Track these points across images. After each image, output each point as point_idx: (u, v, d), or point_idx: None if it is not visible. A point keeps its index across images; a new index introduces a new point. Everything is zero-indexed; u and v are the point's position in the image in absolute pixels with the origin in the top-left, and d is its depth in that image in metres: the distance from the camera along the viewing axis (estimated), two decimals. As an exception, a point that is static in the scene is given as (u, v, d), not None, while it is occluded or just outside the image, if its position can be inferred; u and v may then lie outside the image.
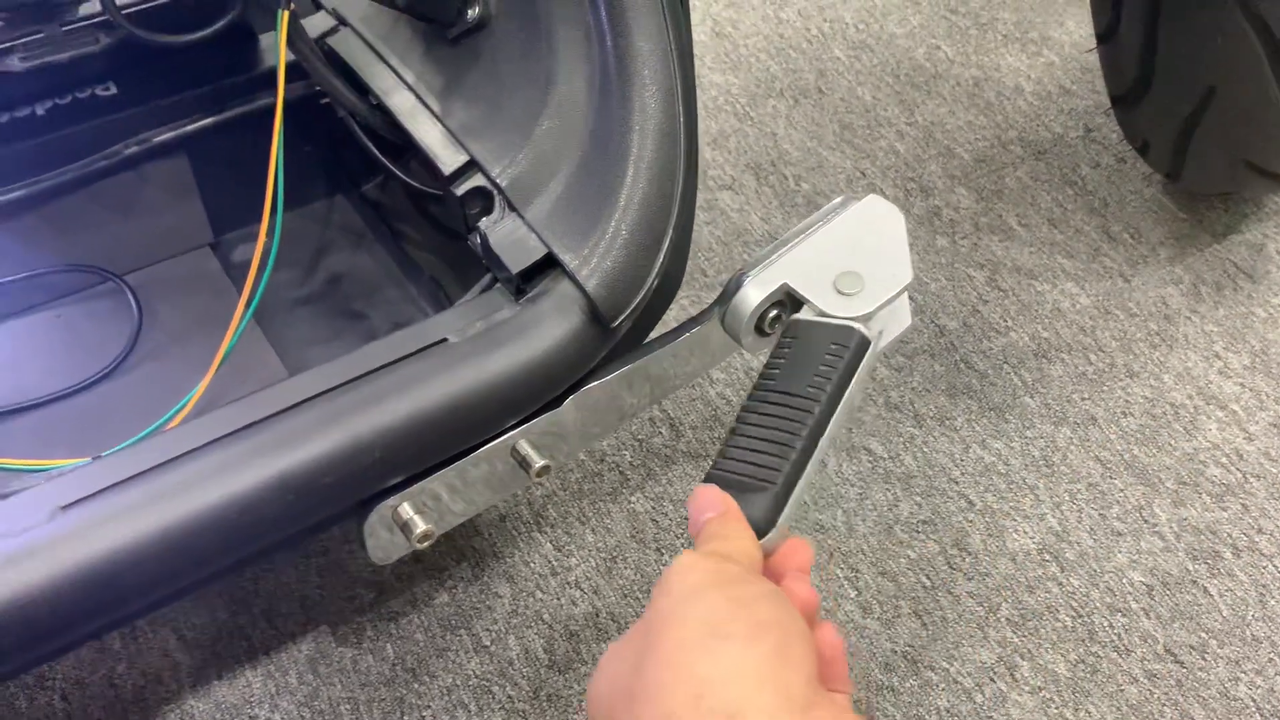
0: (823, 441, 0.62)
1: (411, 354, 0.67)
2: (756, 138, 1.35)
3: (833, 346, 0.66)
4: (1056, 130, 1.36)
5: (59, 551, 0.58)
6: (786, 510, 0.59)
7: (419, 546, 0.69)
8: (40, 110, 0.85)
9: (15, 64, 0.76)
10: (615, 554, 1.02)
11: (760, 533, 0.57)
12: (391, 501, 0.68)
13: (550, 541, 1.02)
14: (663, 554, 1.02)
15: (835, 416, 0.63)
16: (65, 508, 0.59)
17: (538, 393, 0.69)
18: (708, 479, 0.59)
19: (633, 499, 1.05)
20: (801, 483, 0.60)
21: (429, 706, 0.93)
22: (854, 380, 0.65)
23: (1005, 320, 1.19)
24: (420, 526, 0.68)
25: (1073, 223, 1.27)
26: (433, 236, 0.94)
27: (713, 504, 0.55)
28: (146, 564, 0.60)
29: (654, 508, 1.05)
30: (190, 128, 0.89)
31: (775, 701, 0.42)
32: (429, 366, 0.67)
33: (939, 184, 1.30)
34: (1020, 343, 1.17)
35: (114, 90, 0.87)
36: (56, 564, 0.58)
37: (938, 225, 1.26)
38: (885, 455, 1.08)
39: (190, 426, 0.64)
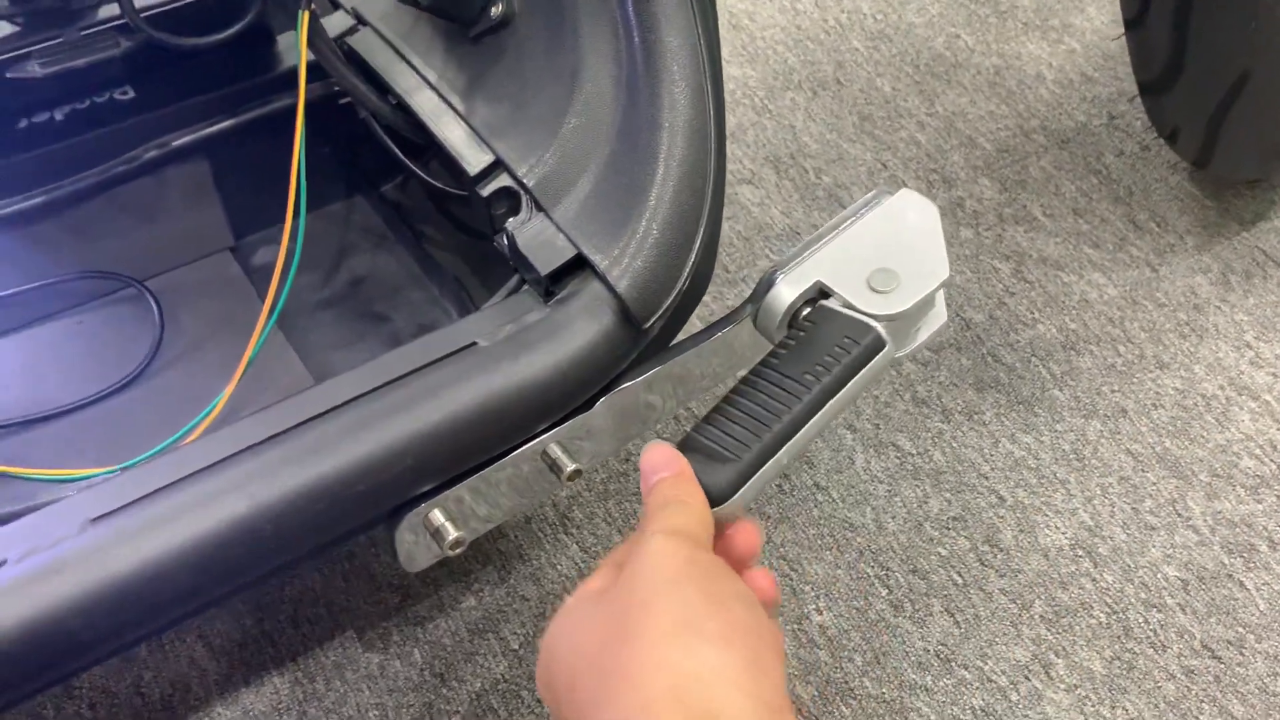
0: (805, 431, 0.62)
1: (441, 359, 0.66)
2: (775, 130, 1.34)
3: (845, 340, 0.65)
4: (1079, 118, 1.34)
5: (90, 565, 0.57)
6: (747, 488, 0.59)
7: (450, 554, 0.68)
8: (59, 115, 0.84)
9: (35, 70, 0.75)
10: (642, 555, 1.00)
11: (714, 502, 0.57)
12: (422, 509, 0.67)
13: (576, 543, 1.01)
14: (690, 554, 1.01)
15: (825, 409, 0.63)
16: (95, 520, 0.58)
17: (569, 396, 0.68)
18: (680, 443, 0.59)
19: (659, 499, 1.04)
20: (771, 466, 0.61)
21: (457, 711, 0.92)
22: (857, 378, 0.64)
23: (1032, 312, 1.17)
24: (452, 534, 0.67)
25: (1098, 212, 1.25)
26: (455, 237, 0.93)
27: (667, 463, 0.56)
28: (178, 576, 0.59)
29: (680, 507, 1.03)
30: (209, 131, 0.88)
31: (751, 706, 0.44)
32: (459, 371, 0.66)
33: (961, 175, 1.29)
34: (1048, 335, 1.15)
35: (132, 94, 0.86)
36: (88, 577, 0.57)
37: (961, 216, 1.25)
38: (914, 451, 1.07)
39: (219, 436, 0.63)
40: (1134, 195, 1.27)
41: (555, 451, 0.71)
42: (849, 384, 0.65)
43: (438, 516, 0.68)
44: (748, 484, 0.60)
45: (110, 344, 0.87)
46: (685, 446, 0.61)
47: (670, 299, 0.68)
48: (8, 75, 0.76)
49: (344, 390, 0.64)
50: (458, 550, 0.68)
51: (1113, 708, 0.92)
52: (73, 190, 0.85)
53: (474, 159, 0.74)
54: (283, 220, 0.95)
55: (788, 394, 0.63)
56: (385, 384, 0.65)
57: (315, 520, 0.62)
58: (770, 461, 0.61)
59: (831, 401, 0.64)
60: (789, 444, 0.62)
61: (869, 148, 1.32)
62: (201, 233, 0.92)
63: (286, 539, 0.61)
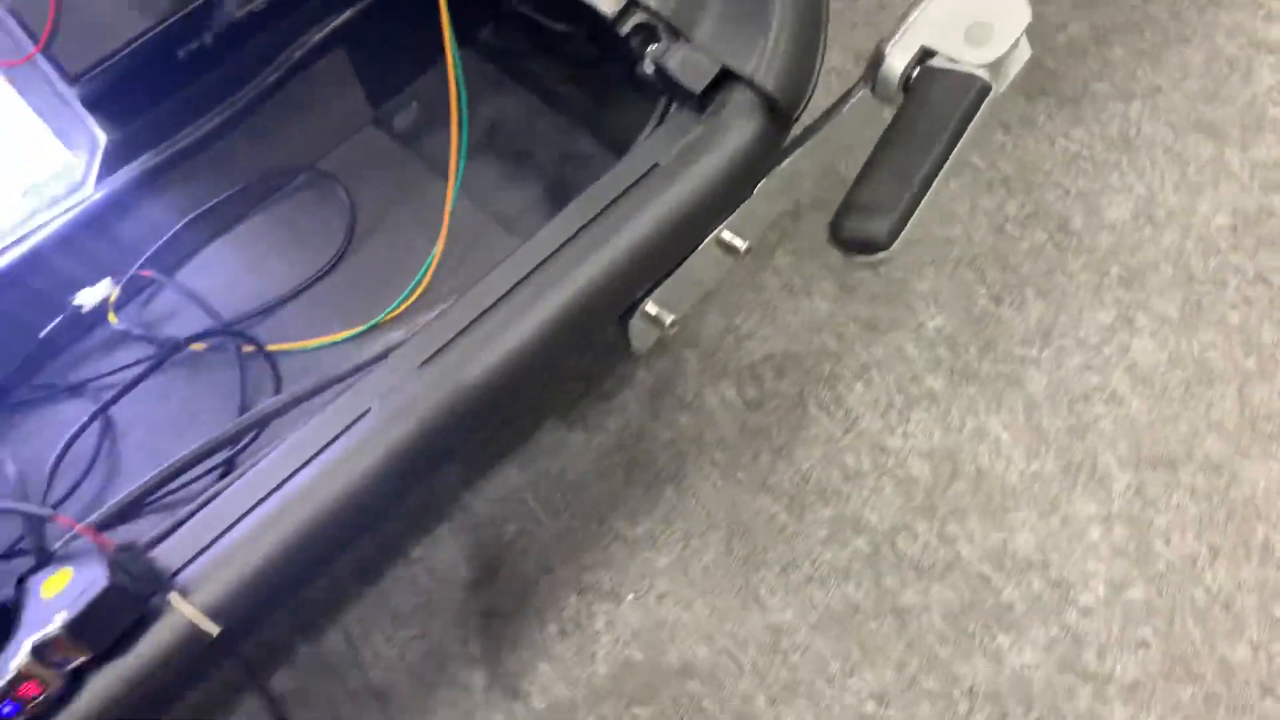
0: (940, 177, 0.78)
1: (635, 183, 0.80)
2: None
3: (958, 92, 0.79)
4: None
5: (433, 394, 0.73)
6: (903, 233, 0.76)
7: (669, 333, 0.85)
8: (208, 40, 0.94)
9: (235, 11, 0.85)
10: (773, 304, 1.18)
11: (879, 249, 0.75)
12: (643, 306, 0.83)
13: (716, 310, 1.18)
14: (811, 297, 1.18)
15: (952, 155, 0.78)
16: (422, 365, 0.74)
17: (737, 190, 0.83)
18: (842, 204, 0.76)
19: (775, 256, 1.20)
20: (917, 212, 0.77)
21: (657, 459, 1.12)
22: (973, 122, 0.79)
23: (1061, 15, 1.28)
24: (669, 318, 0.84)
25: (1106, -95, 1.34)
26: (564, 68, 1.04)
27: None
28: (497, 387, 0.75)
29: (794, 262, 1.20)
30: (339, 20, 0.98)
31: None
32: (651, 190, 0.80)
33: (974, -104, 1.36)
34: (1080, 33, 1.27)
35: (263, 4, 0.95)
36: (435, 404, 0.73)
37: (982, -62, 1.34)
38: (984, 166, 1.21)
39: (488, 280, 0.77)
40: (1137, -119, 1.35)
41: (728, 236, 0.86)
42: (968, 129, 0.79)
43: (653, 307, 0.84)
44: (904, 229, 0.76)
45: (309, 226, 1.01)
46: (847, 205, 0.77)
47: (810, 87, 0.81)
48: (210, 22, 0.86)
49: (571, 223, 0.79)
50: (674, 329, 0.85)
51: (1189, 341, 1.11)
52: (244, 103, 0.96)
53: (610, 2, 0.85)
54: (407, 85, 1.07)
55: (921, 150, 0.78)
56: (601, 212, 0.79)
57: (577, 328, 0.78)
58: (917, 209, 0.77)
59: (957, 147, 0.79)
60: (929, 190, 0.78)
61: (883, -112, 1.38)
62: (349, 114, 1.04)
63: (563, 346, 0.78)
